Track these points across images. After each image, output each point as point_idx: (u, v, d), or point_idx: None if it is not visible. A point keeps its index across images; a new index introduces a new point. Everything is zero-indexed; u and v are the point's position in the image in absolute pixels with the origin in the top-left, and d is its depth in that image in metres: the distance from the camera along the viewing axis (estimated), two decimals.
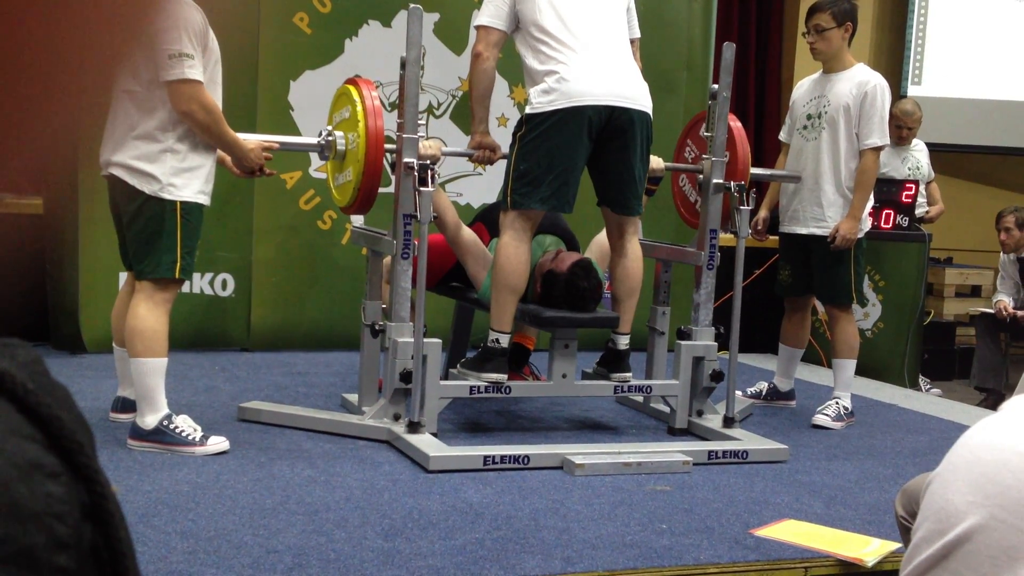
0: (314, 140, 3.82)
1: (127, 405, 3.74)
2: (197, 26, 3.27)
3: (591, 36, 3.70)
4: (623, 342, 3.94)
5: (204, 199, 3.44)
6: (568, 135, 3.62)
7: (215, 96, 3.38)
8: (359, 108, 3.60)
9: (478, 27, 3.77)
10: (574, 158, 3.66)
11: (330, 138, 3.74)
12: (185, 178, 3.36)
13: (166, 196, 3.34)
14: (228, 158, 3.60)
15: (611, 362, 3.97)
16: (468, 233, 3.98)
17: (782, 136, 4.81)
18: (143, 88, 3.30)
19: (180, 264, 3.39)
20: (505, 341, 3.75)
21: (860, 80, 4.43)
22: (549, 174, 3.65)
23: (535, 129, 3.64)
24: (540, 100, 3.63)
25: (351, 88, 3.71)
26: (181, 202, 3.36)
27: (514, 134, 3.73)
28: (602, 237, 4.19)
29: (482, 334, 5.25)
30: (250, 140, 3.56)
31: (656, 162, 4.17)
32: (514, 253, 3.69)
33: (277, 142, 3.74)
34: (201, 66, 3.27)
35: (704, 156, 4.17)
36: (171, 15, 3.21)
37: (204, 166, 3.41)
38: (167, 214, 3.36)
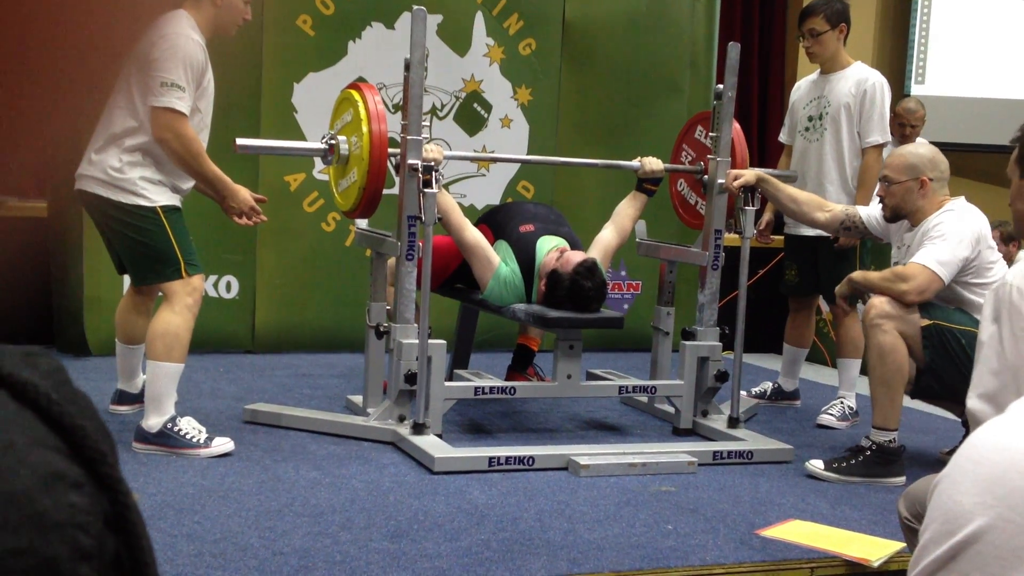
0: (317, 145, 3.81)
1: (125, 398, 3.82)
2: (197, 63, 3.34)
3: None
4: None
5: (177, 202, 3.48)
6: None
7: (201, 130, 3.42)
8: (362, 112, 3.59)
9: (933, 273, 3.53)
10: None
11: (332, 142, 3.72)
12: (157, 188, 3.40)
13: (145, 203, 3.37)
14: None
15: None
16: (473, 233, 3.95)
17: (782, 138, 4.81)
18: (134, 106, 3.34)
19: (184, 263, 3.40)
20: (893, 438, 3.56)
21: (859, 78, 4.44)
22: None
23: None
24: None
25: (354, 92, 3.70)
26: (160, 207, 3.39)
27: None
28: (605, 236, 4.19)
29: (487, 335, 5.29)
30: (241, 189, 3.56)
31: (655, 163, 4.19)
32: (893, 341, 3.50)
33: (264, 198, 3.71)
34: (190, 100, 3.33)
35: (709, 157, 4.17)
36: (173, 46, 3.27)
37: (168, 185, 3.43)
38: (152, 222, 3.38)
